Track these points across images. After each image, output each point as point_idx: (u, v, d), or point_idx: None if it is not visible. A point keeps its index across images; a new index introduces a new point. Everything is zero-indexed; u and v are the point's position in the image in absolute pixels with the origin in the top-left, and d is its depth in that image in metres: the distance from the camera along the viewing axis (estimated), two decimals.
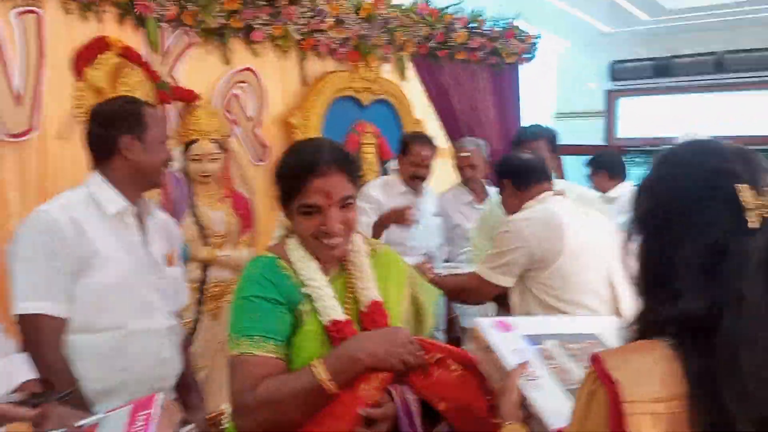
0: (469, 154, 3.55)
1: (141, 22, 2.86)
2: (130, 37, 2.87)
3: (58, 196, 1.85)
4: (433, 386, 1.41)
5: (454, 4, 4.34)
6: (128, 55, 2.81)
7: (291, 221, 1.51)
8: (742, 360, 0.84)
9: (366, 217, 3.12)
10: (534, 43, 4.97)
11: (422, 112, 4.43)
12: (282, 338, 1.42)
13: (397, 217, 3.13)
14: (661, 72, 6.57)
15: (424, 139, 3.48)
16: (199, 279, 3.09)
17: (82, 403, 1.67)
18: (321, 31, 3.53)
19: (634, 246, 0.99)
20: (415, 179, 3.43)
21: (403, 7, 3.98)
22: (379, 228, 3.16)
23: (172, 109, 3.03)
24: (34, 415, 1.34)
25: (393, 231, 3.21)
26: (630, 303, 2.25)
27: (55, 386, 1.51)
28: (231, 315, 1.46)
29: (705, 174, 0.93)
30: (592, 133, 6.90)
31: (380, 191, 3.40)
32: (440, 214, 3.65)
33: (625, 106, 7.07)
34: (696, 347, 0.87)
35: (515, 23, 4.72)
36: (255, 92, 3.41)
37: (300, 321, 1.45)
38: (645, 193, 1.00)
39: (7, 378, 1.50)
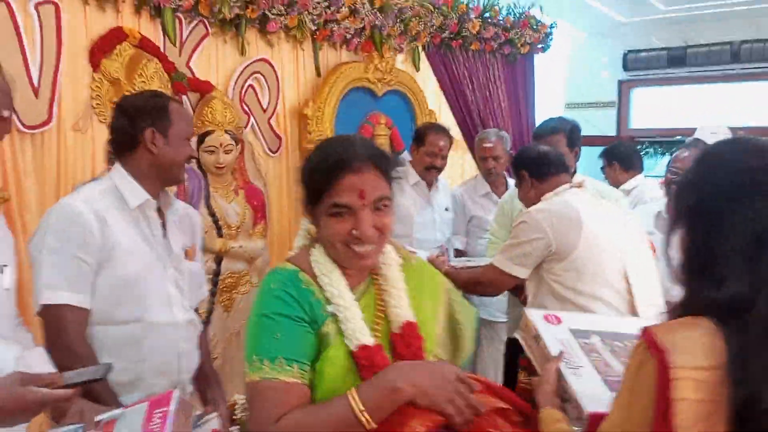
0: (492, 144, 3.54)
1: (158, 12, 2.87)
2: (146, 27, 2.87)
3: (81, 189, 1.85)
4: None
5: None
6: (145, 46, 2.82)
7: (317, 226, 1.37)
8: None
9: None
10: (549, 33, 4.94)
11: (436, 102, 4.42)
12: (307, 361, 1.27)
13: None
14: (675, 62, 6.49)
15: (441, 129, 3.47)
16: (212, 270, 3.11)
17: (111, 392, 1.69)
18: (335, 21, 3.52)
19: (676, 238, 1.08)
20: (430, 170, 3.42)
21: None
22: None
23: (187, 101, 3.04)
24: (72, 395, 1.34)
25: (398, 223, 3.21)
26: (644, 295, 2.28)
27: None
28: (248, 334, 1.31)
29: (747, 171, 1.02)
30: (604, 124, 6.85)
31: None
32: (457, 206, 3.65)
33: (639, 96, 7.01)
34: (737, 326, 0.96)
35: (530, 12, 4.70)
36: (270, 83, 3.41)
37: (323, 343, 1.30)
38: (689, 188, 1.08)
39: (27, 370, 1.51)
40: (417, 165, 3.45)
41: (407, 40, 4.04)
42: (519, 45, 4.73)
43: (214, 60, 3.18)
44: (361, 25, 3.65)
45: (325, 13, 3.42)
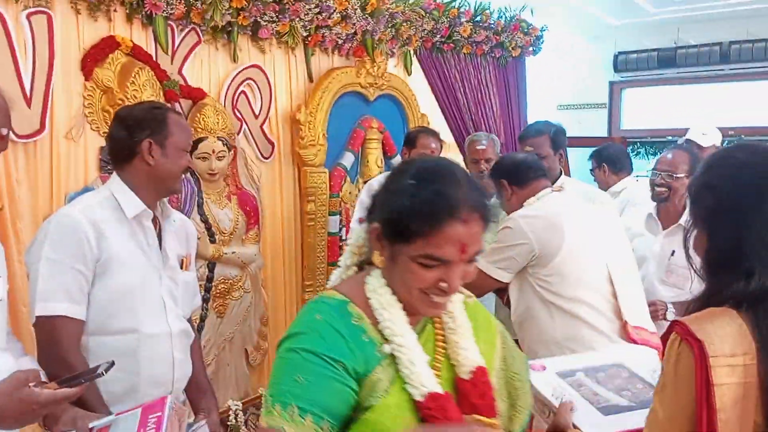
0: (484, 147, 3.56)
1: (149, 20, 2.87)
2: (138, 36, 2.87)
3: (80, 199, 1.87)
4: None
5: None
6: (137, 54, 2.82)
7: (387, 258, 1.17)
8: None
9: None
10: (539, 36, 4.97)
11: (428, 106, 4.44)
12: (332, 417, 1.07)
13: None
14: (665, 63, 6.53)
15: (431, 132, 3.50)
16: (205, 276, 3.13)
17: (103, 403, 1.70)
18: (327, 27, 3.54)
19: (696, 237, 1.17)
20: None
21: (409, 2, 3.97)
22: None
23: (180, 108, 3.05)
24: (77, 392, 1.37)
25: None
26: (627, 298, 2.31)
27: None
28: (273, 368, 1.14)
29: (764, 172, 1.12)
30: (595, 125, 6.89)
31: None
32: None
33: (630, 97, 7.05)
34: (765, 313, 1.06)
35: (521, 16, 4.72)
36: (262, 89, 3.43)
37: (373, 392, 1.11)
38: (707, 190, 1.17)
39: None
40: None
41: (399, 44, 4.06)
42: (510, 48, 4.76)
43: (206, 67, 3.19)
44: (353, 31, 3.66)
45: (317, 19, 3.43)
